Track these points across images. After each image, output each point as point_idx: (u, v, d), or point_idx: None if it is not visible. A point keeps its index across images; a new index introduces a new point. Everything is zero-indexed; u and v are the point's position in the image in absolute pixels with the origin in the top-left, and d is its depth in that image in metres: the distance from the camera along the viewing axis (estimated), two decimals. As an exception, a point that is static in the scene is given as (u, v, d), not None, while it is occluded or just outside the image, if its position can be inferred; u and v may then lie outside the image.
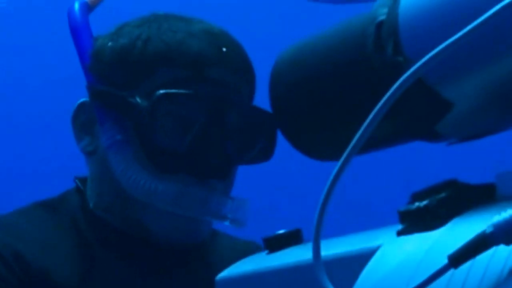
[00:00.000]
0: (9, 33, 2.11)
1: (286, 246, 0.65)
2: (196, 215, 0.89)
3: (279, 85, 0.66)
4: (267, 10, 1.98)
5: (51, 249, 0.92)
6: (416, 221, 0.53)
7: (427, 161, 1.74)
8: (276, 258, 0.65)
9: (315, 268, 0.53)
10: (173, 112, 0.89)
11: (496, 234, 0.45)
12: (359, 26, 0.59)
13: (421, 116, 0.57)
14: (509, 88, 0.54)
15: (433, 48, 0.49)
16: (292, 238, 0.66)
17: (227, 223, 0.89)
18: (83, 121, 0.95)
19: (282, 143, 0.73)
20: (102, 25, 0.97)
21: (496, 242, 0.45)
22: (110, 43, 0.93)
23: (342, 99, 0.61)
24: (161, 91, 0.88)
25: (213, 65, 0.90)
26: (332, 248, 0.58)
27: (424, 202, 0.53)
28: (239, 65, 0.92)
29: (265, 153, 0.91)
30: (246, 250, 0.94)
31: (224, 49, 0.91)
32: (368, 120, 0.51)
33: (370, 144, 0.53)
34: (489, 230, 0.45)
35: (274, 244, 0.66)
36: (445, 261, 0.47)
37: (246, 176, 0.97)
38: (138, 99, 0.88)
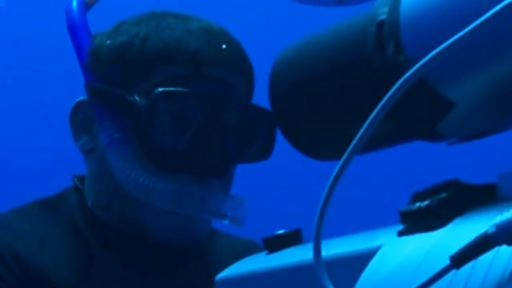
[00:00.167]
0: (8, 33, 2.11)
1: (286, 246, 0.65)
2: (195, 214, 0.88)
3: (279, 84, 0.66)
4: (267, 9, 1.97)
5: (49, 248, 0.92)
6: (417, 221, 0.53)
7: (428, 161, 1.74)
8: (276, 258, 0.64)
9: (315, 269, 0.53)
10: (171, 110, 0.89)
11: (498, 234, 0.45)
12: (360, 26, 0.59)
13: (422, 116, 0.57)
14: (510, 88, 0.54)
15: (434, 48, 0.49)
16: (292, 238, 0.66)
17: (226, 221, 0.88)
18: (81, 120, 0.94)
19: (282, 143, 0.73)
20: (100, 23, 0.96)
21: (498, 243, 0.45)
22: (108, 41, 0.93)
23: (342, 98, 0.61)
24: (160, 89, 0.87)
25: (211, 63, 0.90)
26: (332, 248, 0.57)
27: (426, 202, 0.53)
28: (237, 63, 0.92)
29: (264, 151, 0.91)
30: (246, 249, 0.94)
31: (222, 47, 0.91)
32: (369, 120, 0.50)
33: (371, 144, 0.53)
34: (491, 230, 0.45)
35: (274, 244, 0.66)
36: (446, 261, 0.46)
37: (246, 176, 0.97)
38: (136, 97, 0.88)
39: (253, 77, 0.94)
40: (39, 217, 0.95)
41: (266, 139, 0.89)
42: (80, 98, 0.95)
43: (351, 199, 1.63)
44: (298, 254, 0.61)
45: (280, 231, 0.67)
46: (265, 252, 0.67)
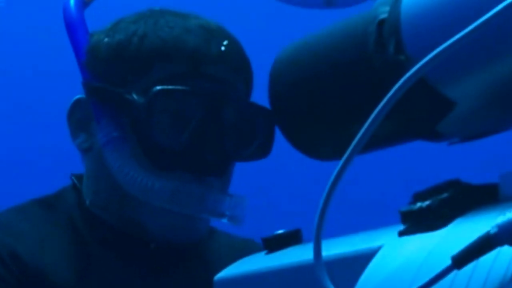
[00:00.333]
0: (8, 33, 2.11)
1: (285, 246, 0.65)
2: (193, 213, 0.88)
3: (278, 84, 0.66)
4: (267, 8, 1.97)
5: (48, 247, 0.91)
6: (418, 221, 0.53)
7: (429, 161, 1.73)
8: (275, 258, 0.64)
9: (316, 269, 0.52)
10: (169, 109, 0.88)
11: (500, 235, 0.45)
12: (360, 25, 0.59)
13: (422, 116, 0.57)
14: (511, 88, 0.54)
15: (435, 47, 0.48)
16: (292, 238, 0.65)
17: (225, 220, 0.88)
18: (79, 118, 0.94)
19: (282, 142, 0.72)
20: (98, 21, 0.96)
21: (500, 243, 0.45)
22: (106, 39, 0.93)
23: (342, 98, 0.61)
24: (158, 88, 0.87)
25: (210, 61, 0.90)
26: (333, 248, 0.57)
27: (426, 202, 0.53)
28: (236, 61, 0.92)
29: (263, 149, 0.90)
30: (244, 248, 0.94)
31: (221, 45, 0.91)
32: (370, 120, 0.50)
33: (372, 144, 0.53)
34: (493, 230, 0.45)
35: (274, 244, 0.66)
36: (447, 262, 0.46)
37: (245, 174, 0.97)
38: (134, 96, 0.88)
39: (252, 75, 0.94)
40: (38, 216, 0.94)
41: (265, 137, 0.89)
42: (78, 96, 0.94)
43: (351, 199, 1.63)
44: (298, 254, 0.61)
45: (280, 231, 0.66)
46: (265, 252, 0.67)
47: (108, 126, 0.89)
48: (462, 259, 0.46)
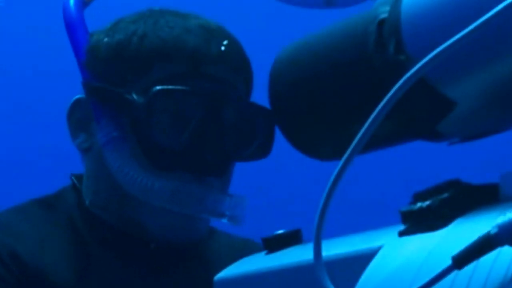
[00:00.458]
0: (7, 32, 2.11)
1: (285, 246, 0.65)
2: (193, 213, 0.88)
3: (278, 84, 0.66)
4: (267, 8, 1.97)
5: (47, 248, 0.91)
6: (418, 221, 0.53)
7: (429, 161, 1.73)
8: (275, 259, 0.64)
9: (316, 269, 0.52)
10: (169, 109, 0.88)
11: (501, 235, 0.45)
12: (360, 25, 0.59)
13: (422, 116, 0.57)
14: (512, 87, 0.54)
15: (435, 47, 0.48)
16: (292, 238, 0.65)
17: (224, 220, 0.88)
18: (79, 118, 0.94)
19: (282, 142, 0.72)
20: (98, 21, 0.96)
21: (501, 243, 0.45)
22: (106, 39, 0.92)
23: (342, 98, 0.61)
24: (158, 87, 0.87)
25: (210, 61, 0.89)
26: (333, 248, 0.57)
27: (427, 202, 0.52)
28: (236, 61, 0.92)
29: (263, 149, 0.90)
30: (244, 248, 0.93)
31: (221, 45, 0.91)
32: (370, 120, 0.50)
33: (372, 144, 0.53)
34: (493, 231, 0.45)
35: (274, 244, 0.65)
36: (448, 262, 0.46)
37: (245, 175, 0.97)
38: (134, 96, 0.88)
39: (252, 75, 0.94)
40: (38, 216, 0.94)
41: (265, 137, 0.89)
42: (78, 96, 0.94)
43: (352, 199, 1.63)
44: (298, 254, 0.61)
45: (280, 231, 0.66)
46: (265, 252, 0.67)
47: (108, 126, 0.89)
48: (462, 259, 0.46)
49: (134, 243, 0.93)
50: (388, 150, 0.63)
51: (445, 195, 0.52)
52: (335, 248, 0.57)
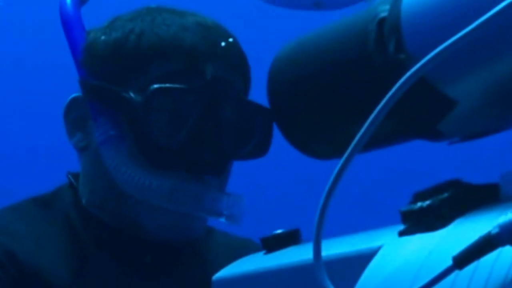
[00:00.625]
0: (7, 32, 2.11)
1: (284, 246, 0.65)
2: (191, 211, 0.88)
3: (277, 82, 0.65)
4: (266, 5, 1.97)
5: (43, 247, 0.91)
6: (418, 221, 0.53)
7: (429, 161, 1.73)
8: (274, 258, 0.64)
9: (315, 269, 0.52)
10: (167, 107, 0.88)
11: (502, 235, 0.44)
12: (360, 23, 0.58)
13: (423, 115, 0.56)
14: (513, 87, 0.53)
15: (435, 46, 0.48)
16: (291, 238, 0.65)
17: (222, 219, 0.88)
18: (75, 117, 0.94)
19: (281, 140, 0.72)
20: (95, 19, 0.96)
21: (502, 243, 0.45)
22: (103, 37, 0.92)
23: (341, 97, 0.61)
24: (155, 86, 0.87)
25: (207, 58, 0.89)
26: (332, 248, 0.57)
27: (427, 202, 0.52)
28: (234, 58, 0.91)
29: (261, 148, 0.90)
30: (242, 247, 0.93)
31: (218, 43, 0.90)
32: (370, 119, 0.50)
33: (372, 143, 0.53)
34: (494, 231, 0.45)
35: (272, 244, 0.65)
36: (448, 262, 0.46)
37: (243, 174, 0.96)
38: (131, 94, 0.87)
39: (249, 73, 0.94)
40: (34, 215, 0.94)
41: (263, 136, 0.89)
42: (75, 94, 0.94)
43: (351, 198, 1.63)
44: (297, 254, 0.61)
45: (279, 231, 0.66)
46: (263, 251, 0.67)
47: (105, 124, 0.89)
48: (463, 259, 0.46)
49: (131, 242, 0.92)
50: (388, 149, 0.63)
51: (445, 195, 0.52)
52: (335, 247, 0.57)
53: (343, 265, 0.55)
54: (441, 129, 0.57)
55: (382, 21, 0.57)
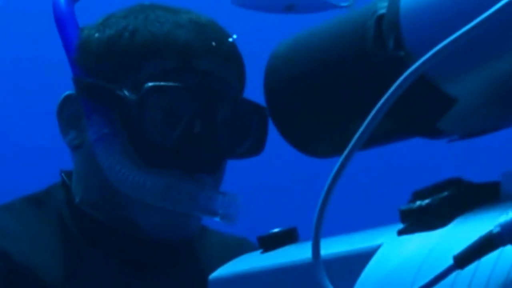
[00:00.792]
0: (7, 32, 2.11)
1: (281, 245, 0.64)
2: (185, 210, 0.87)
3: (274, 80, 0.65)
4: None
5: (37, 246, 0.90)
6: (418, 220, 0.52)
7: (429, 159, 1.73)
8: (271, 257, 0.63)
9: (314, 268, 0.52)
10: (161, 105, 0.88)
11: (503, 234, 0.44)
12: (359, 20, 0.58)
13: (422, 113, 0.56)
14: (513, 84, 0.53)
15: (435, 43, 0.48)
16: (288, 237, 0.64)
17: (217, 219, 0.87)
18: (69, 115, 0.93)
19: (278, 139, 0.71)
20: (88, 16, 0.95)
21: (503, 243, 0.44)
22: (96, 34, 0.92)
23: (340, 94, 0.60)
24: (149, 84, 0.86)
25: (202, 56, 0.89)
26: (331, 247, 0.56)
27: (426, 201, 0.52)
28: (228, 55, 0.91)
29: (256, 146, 0.90)
30: (237, 246, 0.93)
31: (212, 40, 0.90)
32: (370, 117, 0.49)
33: (371, 141, 0.52)
34: (496, 230, 0.44)
35: (269, 243, 0.65)
36: (447, 261, 0.46)
37: (239, 173, 0.96)
38: (125, 92, 0.87)
39: (244, 70, 0.93)
40: (27, 214, 0.93)
41: (258, 134, 0.88)
42: (68, 92, 0.93)
43: (350, 197, 1.63)
44: (295, 253, 0.60)
45: (275, 230, 0.66)
46: (260, 250, 0.66)
47: (99, 122, 0.88)
48: (464, 258, 0.45)
49: (125, 240, 0.92)
50: (388, 147, 0.62)
51: (445, 193, 0.52)
52: (334, 246, 0.57)
53: (342, 264, 0.55)
54: (440, 127, 0.56)
55: (381, 17, 0.56)
